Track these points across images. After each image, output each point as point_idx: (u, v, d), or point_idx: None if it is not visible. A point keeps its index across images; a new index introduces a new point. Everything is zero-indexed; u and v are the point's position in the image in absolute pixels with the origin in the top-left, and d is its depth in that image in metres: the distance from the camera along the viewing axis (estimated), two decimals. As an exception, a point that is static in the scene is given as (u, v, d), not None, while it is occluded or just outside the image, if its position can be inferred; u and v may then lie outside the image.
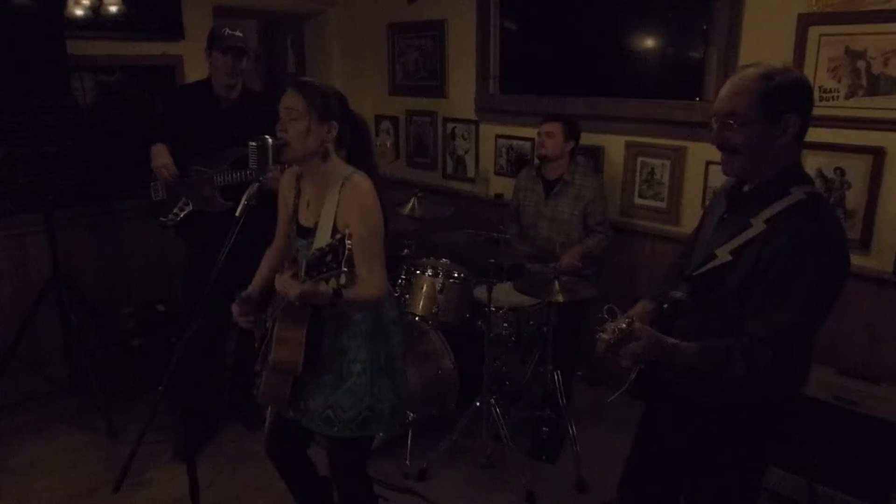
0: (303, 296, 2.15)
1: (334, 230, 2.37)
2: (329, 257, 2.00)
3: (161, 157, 3.73)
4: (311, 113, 2.35)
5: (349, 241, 1.99)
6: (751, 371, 1.90)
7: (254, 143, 2.38)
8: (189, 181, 3.77)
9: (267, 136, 2.38)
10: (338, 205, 2.38)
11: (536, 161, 4.46)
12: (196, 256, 3.96)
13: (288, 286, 2.14)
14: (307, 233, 2.49)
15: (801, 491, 3.34)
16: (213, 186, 3.70)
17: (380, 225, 2.42)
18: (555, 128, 4.18)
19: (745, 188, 2.13)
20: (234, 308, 2.61)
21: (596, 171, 4.55)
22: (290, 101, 2.37)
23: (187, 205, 3.80)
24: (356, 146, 2.54)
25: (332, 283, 2.18)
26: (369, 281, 2.34)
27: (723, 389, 2.00)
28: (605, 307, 2.01)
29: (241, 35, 3.70)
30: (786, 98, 1.95)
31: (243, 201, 2.41)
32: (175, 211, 3.81)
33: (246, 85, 3.89)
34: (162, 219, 3.86)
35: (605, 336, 1.91)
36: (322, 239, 2.36)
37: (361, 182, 2.41)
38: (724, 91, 2.04)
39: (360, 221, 2.36)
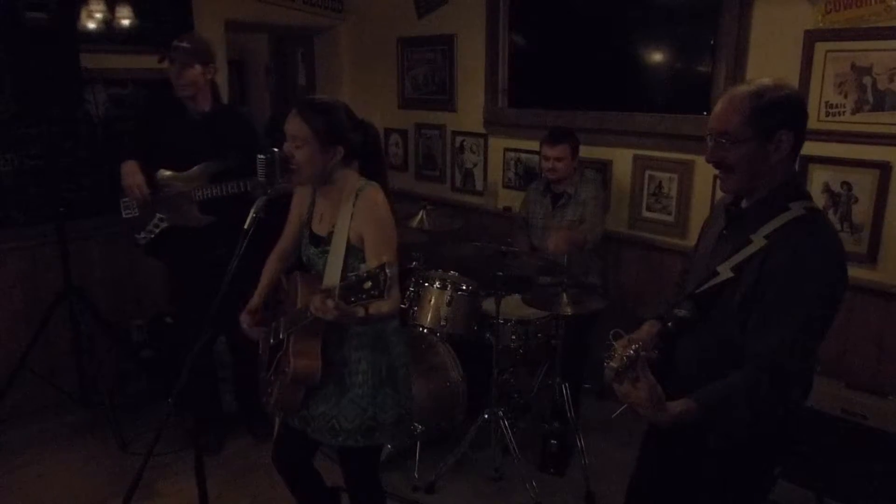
0: (338, 319, 2.15)
1: (349, 242, 2.40)
2: (369, 284, 2.01)
3: (132, 175, 3.65)
4: (315, 140, 2.37)
5: (389, 270, 2.00)
6: (756, 409, 1.90)
7: (262, 156, 2.40)
8: (164, 197, 3.70)
9: (275, 149, 2.40)
10: (352, 217, 2.41)
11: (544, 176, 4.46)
12: (178, 275, 3.95)
13: (324, 309, 2.13)
14: (320, 241, 2.51)
15: (809, 504, 3.34)
16: (191, 201, 3.65)
17: (394, 237, 2.44)
18: (563, 150, 4.15)
19: (744, 204, 2.14)
20: (245, 319, 2.65)
21: (603, 184, 4.55)
22: (294, 129, 2.38)
23: (163, 221, 3.74)
24: (368, 156, 2.56)
25: (363, 308, 2.19)
26: (391, 295, 2.35)
27: (736, 437, 2.01)
28: (611, 332, 2.01)
29: (186, 45, 3.61)
30: (777, 115, 1.96)
31: (252, 213, 2.43)
32: (150, 227, 3.76)
33: (219, 98, 3.85)
34: (136, 236, 3.80)
35: (613, 364, 1.90)
36: (337, 250, 2.40)
37: (374, 194, 2.44)
38: (716, 109, 2.05)
39: (375, 234, 2.38)
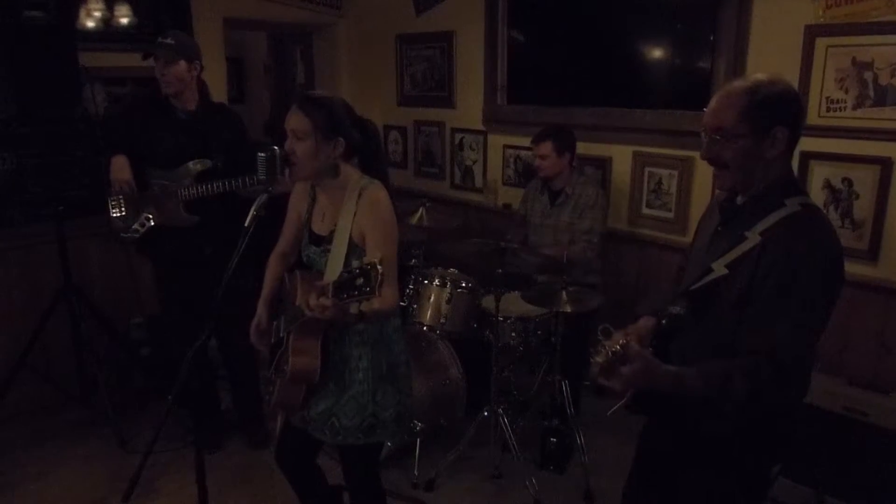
0: (333, 317, 2.14)
1: (350, 240, 2.39)
2: (360, 280, 2.00)
3: (121, 170, 3.61)
4: (316, 132, 2.36)
5: (381, 266, 1.99)
6: (753, 389, 1.88)
7: (262, 154, 2.39)
8: (151, 195, 3.66)
9: (275, 147, 2.40)
10: (354, 215, 2.40)
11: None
12: (165, 274, 3.94)
13: (319, 306, 2.11)
14: (321, 240, 2.51)
15: (810, 502, 3.33)
16: (177, 201, 3.61)
17: (396, 236, 2.44)
18: (546, 148, 4.14)
19: (739, 200, 2.12)
20: (254, 336, 2.66)
21: (601, 184, 4.55)
22: (295, 123, 2.37)
23: (149, 220, 3.69)
24: (368, 151, 2.55)
25: (357, 305, 2.18)
26: (387, 293, 2.30)
27: (728, 415, 1.98)
28: (600, 327, 1.97)
29: (169, 42, 3.53)
30: (772, 111, 1.95)
31: (252, 212, 2.42)
32: (135, 227, 3.70)
33: (208, 96, 3.79)
34: (122, 235, 3.74)
35: (598, 359, 1.87)
36: (339, 248, 2.39)
37: (378, 193, 2.43)
38: (711, 106, 2.03)
39: (378, 233, 2.37)
